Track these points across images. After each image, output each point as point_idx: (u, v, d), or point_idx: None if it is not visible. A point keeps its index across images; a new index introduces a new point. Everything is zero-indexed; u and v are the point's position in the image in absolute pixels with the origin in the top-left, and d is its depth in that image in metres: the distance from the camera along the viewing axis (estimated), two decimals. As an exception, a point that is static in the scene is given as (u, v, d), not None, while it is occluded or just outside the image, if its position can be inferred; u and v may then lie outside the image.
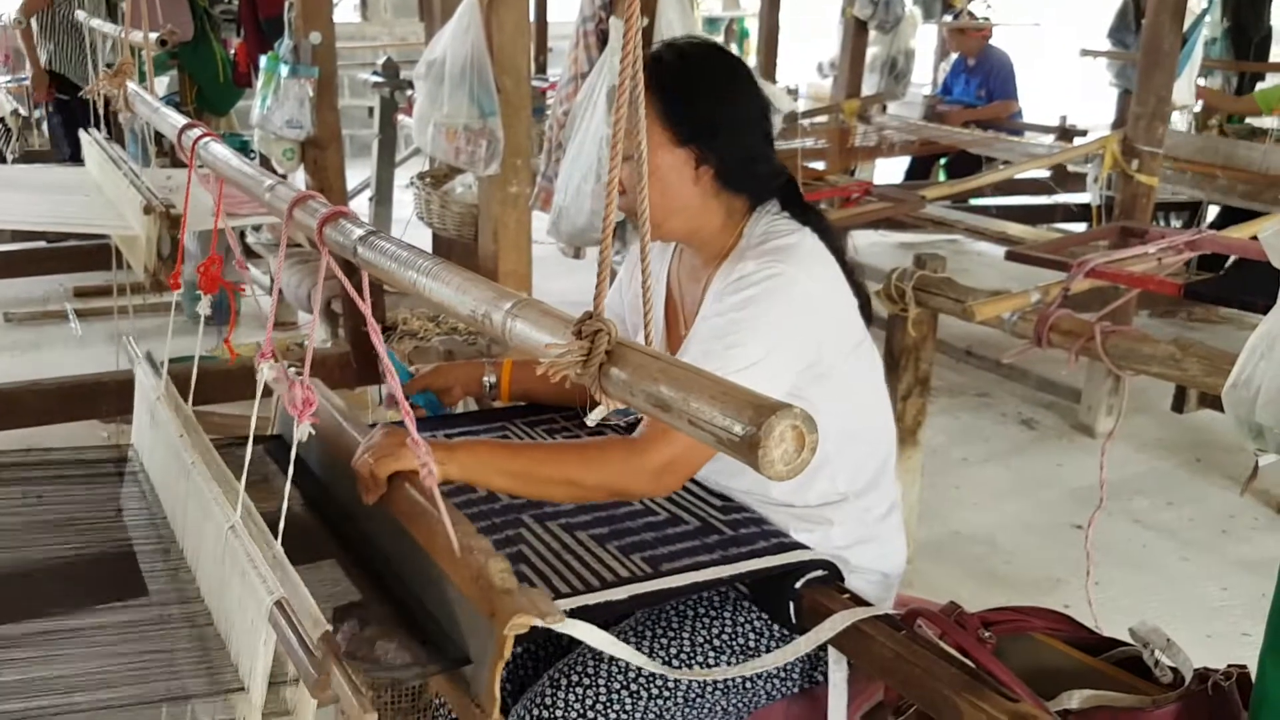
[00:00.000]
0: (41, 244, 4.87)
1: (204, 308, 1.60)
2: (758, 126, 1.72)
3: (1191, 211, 5.61)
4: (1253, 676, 1.36)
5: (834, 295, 1.67)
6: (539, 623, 1.16)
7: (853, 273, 1.72)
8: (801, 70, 8.27)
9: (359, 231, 1.16)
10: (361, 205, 5.85)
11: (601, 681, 1.54)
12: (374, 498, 1.41)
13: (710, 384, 0.78)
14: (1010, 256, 3.30)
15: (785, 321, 1.58)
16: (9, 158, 5.47)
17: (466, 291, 0.99)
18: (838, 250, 1.71)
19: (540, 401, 2.05)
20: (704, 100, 1.65)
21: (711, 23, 9.39)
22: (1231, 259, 3.26)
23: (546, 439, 1.98)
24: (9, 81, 6.06)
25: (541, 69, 6.54)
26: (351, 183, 4.82)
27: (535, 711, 1.53)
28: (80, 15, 5.66)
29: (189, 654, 1.23)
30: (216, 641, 1.25)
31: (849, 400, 1.68)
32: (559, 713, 1.52)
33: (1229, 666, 1.43)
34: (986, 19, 7.15)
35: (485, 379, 1.99)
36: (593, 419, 1.06)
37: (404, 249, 1.10)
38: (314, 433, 1.21)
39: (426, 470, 1.22)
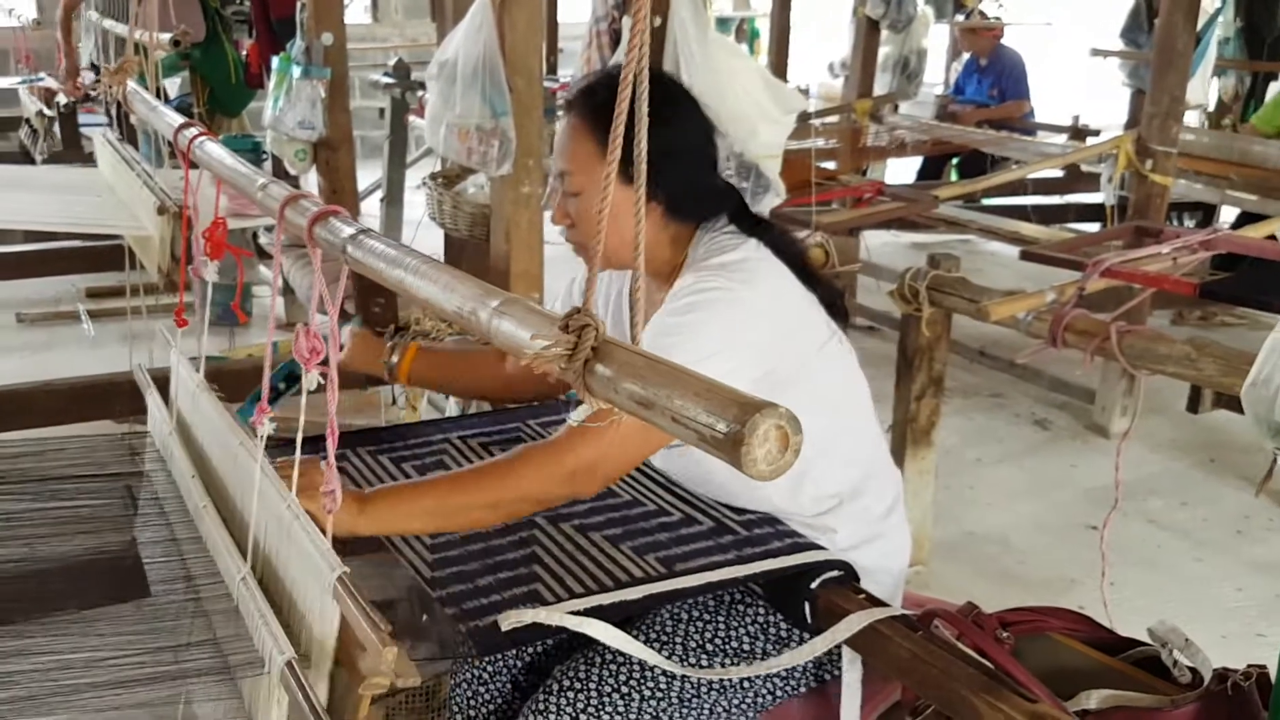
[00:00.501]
0: (54, 244, 4.88)
1: (210, 274, 1.60)
2: (703, 155, 1.70)
3: (1206, 211, 5.58)
4: (1272, 676, 1.36)
5: (781, 302, 1.64)
6: (401, 683, 1.11)
7: (814, 276, 1.71)
8: (812, 70, 8.27)
9: (348, 230, 1.16)
10: (373, 206, 5.85)
11: (593, 685, 1.54)
12: None
13: (695, 381, 0.78)
14: (1025, 256, 3.29)
15: (728, 330, 1.56)
16: (38, 159, 5.47)
17: (453, 289, 0.99)
18: (793, 257, 1.69)
19: (445, 391, 2.12)
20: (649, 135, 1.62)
21: (722, 23, 9.38)
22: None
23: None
24: (23, 82, 6.07)
25: (552, 70, 6.54)
26: (362, 184, 4.82)
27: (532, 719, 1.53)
28: (93, 15, 5.68)
29: (209, 648, 1.23)
30: (237, 629, 1.25)
31: (820, 403, 1.65)
32: (553, 718, 1.52)
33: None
34: (998, 18, 7.13)
35: (387, 359, 1.99)
36: (576, 417, 1.05)
37: (393, 248, 1.10)
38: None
39: (331, 498, 1.20)
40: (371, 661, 1.10)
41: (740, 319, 1.57)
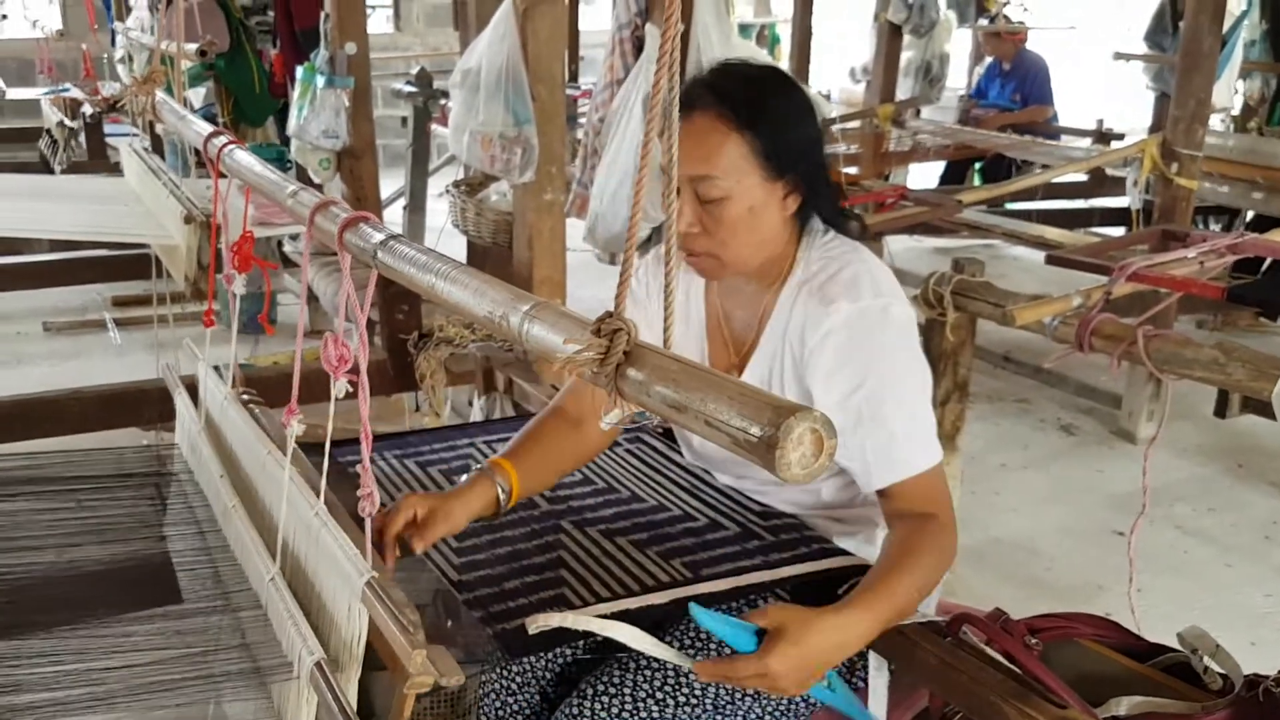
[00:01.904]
0: (80, 253, 4.92)
1: (238, 287, 1.61)
2: (823, 139, 1.65)
3: (1231, 215, 5.55)
4: (1305, 683, 1.34)
5: (908, 304, 1.62)
6: (445, 682, 1.11)
7: None
8: (834, 76, 8.25)
9: (378, 236, 1.16)
10: (395, 214, 5.88)
11: (628, 690, 1.53)
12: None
13: (727, 385, 0.78)
14: (1051, 260, 3.27)
15: (906, 353, 1.56)
16: (56, 169, 5.51)
17: (484, 294, 0.99)
18: None
19: (545, 488, 1.79)
20: (788, 127, 1.56)
21: (744, 29, 9.37)
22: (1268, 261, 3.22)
23: (630, 457, 1.97)
24: (48, 93, 6.11)
25: (573, 77, 6.55)
26: (385, 192, 4.84)
27: None
28: (117, 26, 5.71)
29: (238, 651, 1.24)
30: (266, 632, 1.26)
31: None
32: None
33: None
34: (1021, 23, 7.11)
35: (500, 495, 1.65)
36: (607, 423, 1.05)
37: (423, 253, 1.10)
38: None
39: (369, 497, 1.20)
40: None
41: (900, 331, 1.56)
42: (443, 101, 5.37)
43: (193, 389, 1.83)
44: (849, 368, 1.53)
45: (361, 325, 1.17)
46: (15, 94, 6.81)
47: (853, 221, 1.69)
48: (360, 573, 1.16)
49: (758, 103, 1.54)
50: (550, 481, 1.78)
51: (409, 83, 5.72)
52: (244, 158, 1.65)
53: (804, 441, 0.73)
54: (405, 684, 1.10)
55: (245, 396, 1.73)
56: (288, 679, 1.18)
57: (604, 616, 1.41)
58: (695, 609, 1.32)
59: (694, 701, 1.55)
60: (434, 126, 5.69)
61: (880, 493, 1.55)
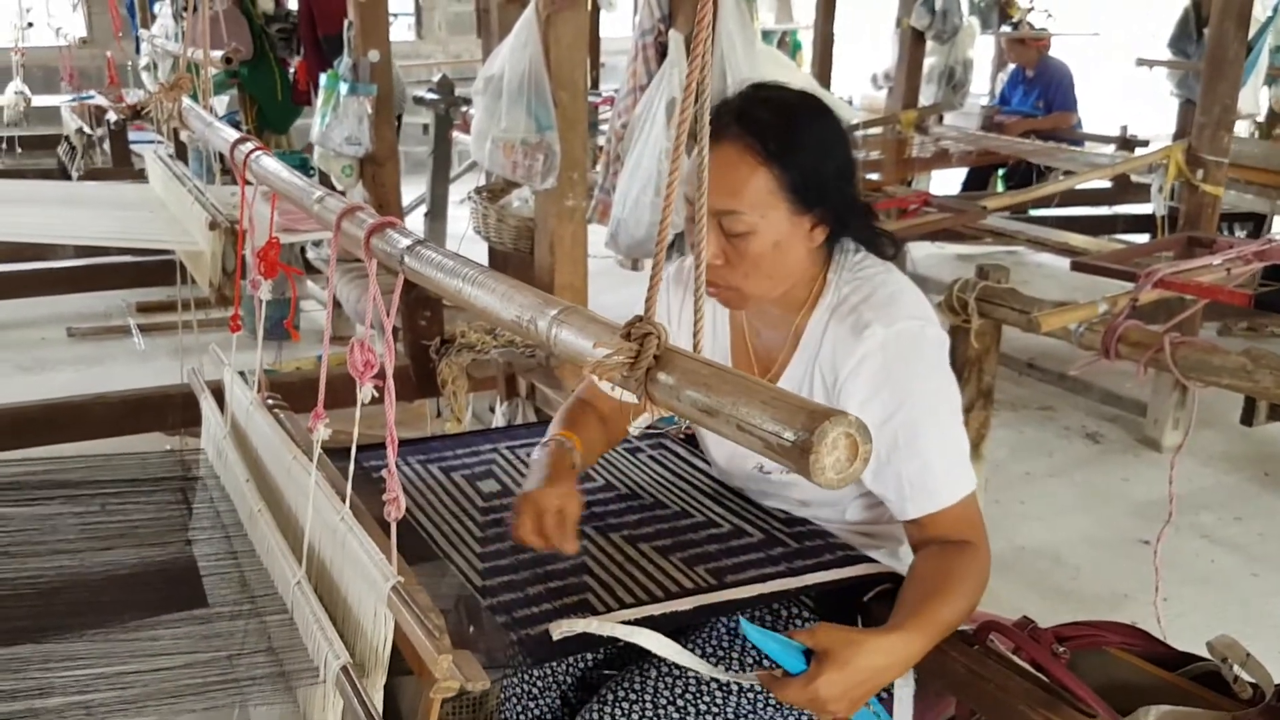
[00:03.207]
0: (104, 259, 4.95)
1: (264, 293, 1.61)
2: (856, 168, 1.61)
3: (1257, 222, 5.52)
4: (1337, 693, 1.33)
5: (940, 326, 1.61)
6: (471, 687, 1.11)
7: None
8: (855, 82, 8.23)
9: (406, 242, 1.16)
10: (416, 221, 5.90)
11: (648, 697, 1.53)
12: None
13: (760, 389, 0.77)
14: (1076, 267, 3.25)
15: (941, 378, 1.55)
16: (74, 175, 5.55)
17: (511, 299, 0.98)
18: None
19: (598, 452, 1.81)
20: (821, 161, 1.52)
21: (765, 36, 9.36)
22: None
23: (652, 463, 1.97)
24: (72, 100, 6.16)
25: (595, 84, 6.56)
26: (406, 199, 4.86)
27: None
28: (142, 33, 5.75)
29: (264, 655, 1.24)
30: (291, 636, 1.26)
31: None
32: None
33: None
34: (1044, 29, 7.08)
35: (575, 467, 1.66)
36: (636, 428, 1.06)
37: (450, 258, 1.10)
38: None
39: (395, 502, 1.19)
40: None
41: (936, 352, 1.55)
42: (464, 108, 5.39)
43: (218, 394, 1.84)
44: (884, 393, 1.51)
45: (388, 331, 1.17)
46: (40, 101, 6.86)
47: (885, 240, 1.65)
48: (386, 577, 1.16)
49: (787, 134, 1.49)
50: (593, 461, 1.80)
51: (430, 90, 5.74)
52: (271, 164, 1.65)
53: (838, 446, 0.72)
54: (431, 689, 1.10)
55: (270, 401, 1.73)
56: (314, 683, 1.18)
57: (628, 623, 1.40)
58: (746, 625, 1.33)
59: (715, 709, 1.54)
60: (455, 133, 5.71)
61: (913, 521, 1.53)
